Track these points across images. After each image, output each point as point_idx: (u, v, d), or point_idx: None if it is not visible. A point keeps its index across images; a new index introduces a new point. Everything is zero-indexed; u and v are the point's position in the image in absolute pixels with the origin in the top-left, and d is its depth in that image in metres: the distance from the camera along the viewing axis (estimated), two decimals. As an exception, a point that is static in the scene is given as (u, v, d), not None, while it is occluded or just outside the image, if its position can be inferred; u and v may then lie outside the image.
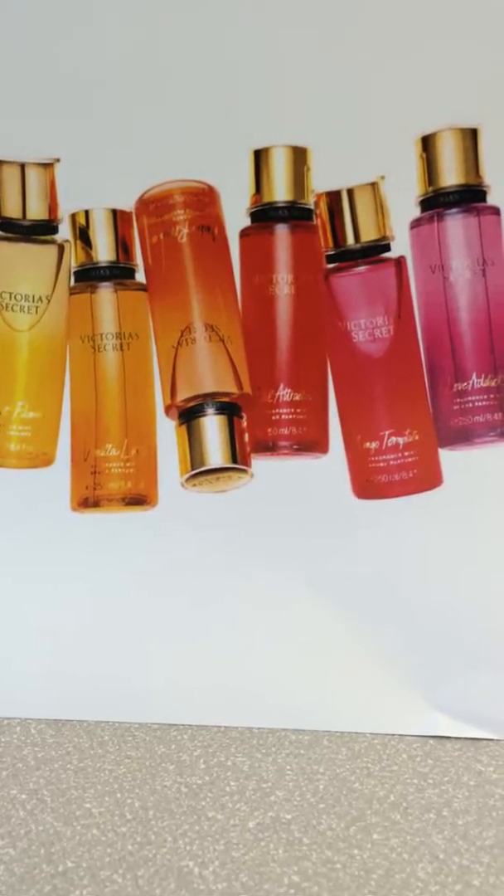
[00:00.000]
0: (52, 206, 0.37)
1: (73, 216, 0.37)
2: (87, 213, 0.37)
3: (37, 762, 0.35)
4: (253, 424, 0.37)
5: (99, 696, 0.38)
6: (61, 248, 0.37)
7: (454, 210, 0.35)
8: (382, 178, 0.36)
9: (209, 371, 0.36)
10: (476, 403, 0.36)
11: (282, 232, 0.37)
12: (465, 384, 0.36)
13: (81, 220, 0.37)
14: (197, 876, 0.29)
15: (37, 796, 0.33)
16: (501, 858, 0.30)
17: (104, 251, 0.37)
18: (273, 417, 0.37)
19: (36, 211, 0.37)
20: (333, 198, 0.36)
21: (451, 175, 0.35)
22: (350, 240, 0.36)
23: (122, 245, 0.37)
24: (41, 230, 0.37)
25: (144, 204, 0.37)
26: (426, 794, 0.33)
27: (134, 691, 0.38)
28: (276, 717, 0.37)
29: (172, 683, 0.38)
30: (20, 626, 0.38)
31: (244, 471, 0.37)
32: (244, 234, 0.37)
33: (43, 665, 0.38)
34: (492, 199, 0.36)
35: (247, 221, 0.37)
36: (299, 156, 0.36)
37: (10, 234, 0.37)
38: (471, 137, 0.35)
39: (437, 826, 0.32)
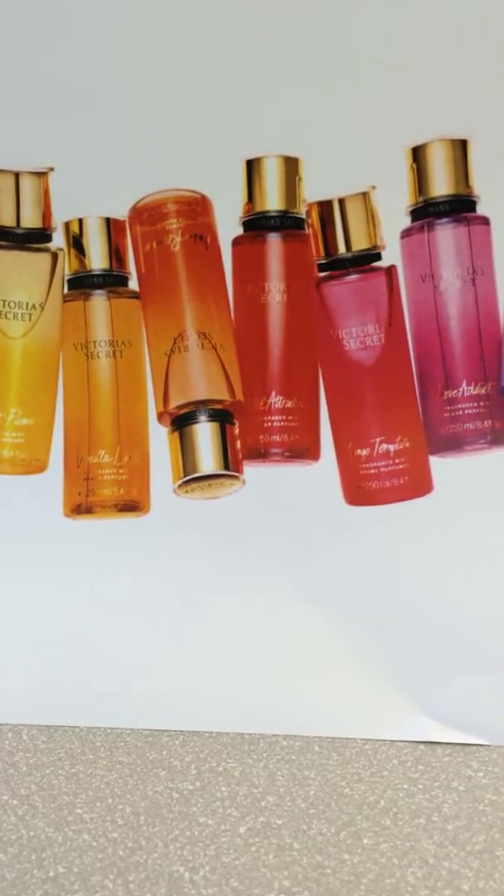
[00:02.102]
0: (46, 215, 0.37)
1: (67, 224, 0.37)
2: (80, 221, 0.37)
3: (28, 768, 0.35)
4: (245, 431, 0.37)
5: (90, 702, 0.38)
6: (55, 256, 0.38)
7: (444, 220, 0.36)
8: (373, 187, 0.36)
9: (202, 378, 0.37)
10: (466, 411, 0.36)
11: (274, 241, 0.37)
12: (456, 392, 0.36)
13: (75, 228, 0.37)
14: (188, 881, 0.29)
15: (28, 802, 0.33)
16: (491, 863, 0.30)
17: (97, 259, 0.38)
18: (265, 424, 0.37)
19: (30, 219, 0.37)
20: (325, 207, 0.36)
21: (441, 185, 0.36)
22: (341, 249, 0.36)
23: (116, 253, 0.38)
24: (35, 238, 0.37)
25: (138, 213, 0.37)
26: (416, 799, 0.33)
27: (125, 697, 0.38)
28: (267, 723, 0.37)
29: (164, 689, 0.38)
30: (12, 632, 0.38)
31: (236, 477, 0.37)
32: (237, 242, 0.37)
33: (35, 671, 0.38)
34: (481, 209, 0.36)
35: (239, 230, 0.37)
36: (291, 166, 0.36)
37: (4, 242, 0.37)
38: (460, 148, 0.36)
39: (427, 831, 0.32)
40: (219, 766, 0.35)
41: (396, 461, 0.37)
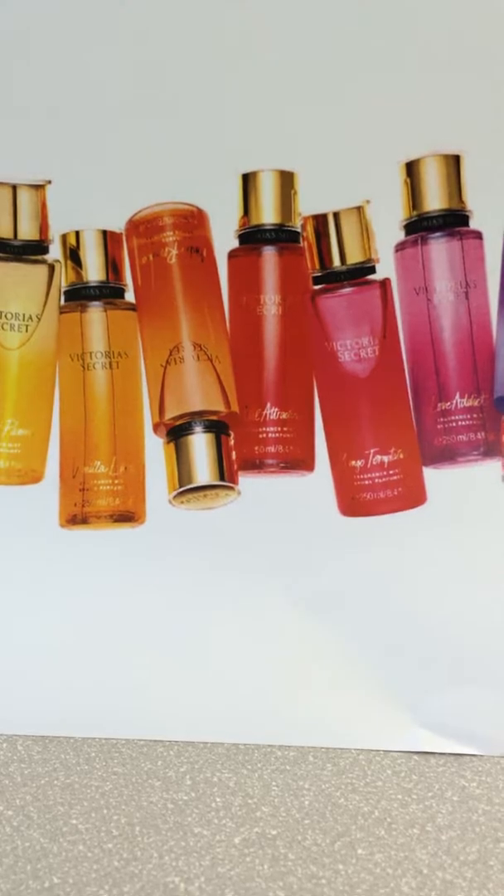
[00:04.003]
0: (44, 227, 0.38)
1: (64, 237, 0.38)
2: (77, 233, 0.38)
3: (23, 778, 0.35)
4: (240, 442, 0.38)
5: (85, 713, 0.38)
6: (52, 268, 0.38)
7: (438, 234, 0.36)
8: (368, 202, 0.36)
9: (197, 389, 0.37)
10: (459, 423, 0.37)
11: (269, 254, 0.37)
12: (449, 404, 0.37)
13: (72, 240, 0.38)
14: (183, 892, 0.29)
15: (23, 812, 0.33)
16: (484, 873, 0.30)
17: (94, 271, 0.38)
18: (260, 436, 0.38)
19: (27, 231, 0.37)
20: (320, 221, 0.37)
21: (434, 200, 0.36)
22: (336, 262, 0.37)
23: (112, 265, 0.38)
24: (32, 250, 0.37)
25: (134, 225, 0.37)
26: (410, 809, 0.34)
27: (120, 707, 0.38)
28: (261, 734, 0.37)
29: (159, 700, 0.38)
30: (6, 643, 0.38)
31: (231, 488, 0.37)
32: (232, 255, 0.38)
33: (29, 681, 0.38)
34: (474, 224, 0.36)
35: (235, 243, 0.38)
36: (286, 180, 0.37)
37: (1, 254, 0.37)
38: (454, 163, 0.36)
39: (420, 841, 0.32)
40: (214, 777, 0.35)
41: (390, 472, 0.37)
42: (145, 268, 0.37)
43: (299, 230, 0.37)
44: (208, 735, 0.37)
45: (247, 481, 0.37)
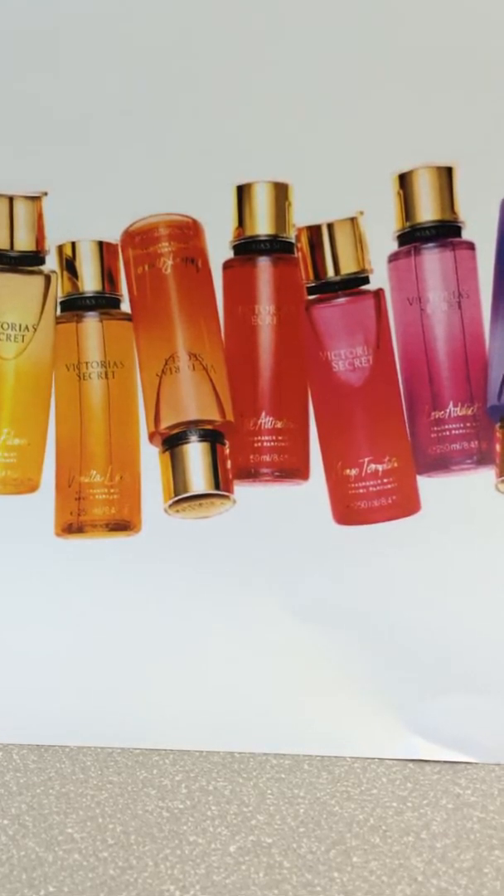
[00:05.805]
0: (40, 238, 0.38)
1: (60, 247, 0.38)
2: (73, 244, 0.38)
3: (19, 787, 0.35)
4: (235, 451, 0.38)
5: (81, 722, 0.38)
6: (48, 279, 0.38)
7: (430, 244, 0.37)
8: (361, 213, 0.37)
9: (192, 399, 0.37)
10: (453, 431, 0.37)
11: (264, 264, 0.38)
12: (443, 413, 0.37)
13: (68, 251, 0.38)
14: (178, 900, 0.29)
15: (18, 821, 0.33)
16: (479, 880, 0.30)
17: (90, 282, 0.38)
18: (255, 444, 0.38)
19: (23, 242, 0.38)
20: (314, 232, 0.37)
21: (427, 211, 0.36)
22: (330, 272, 0.37)
23: (108, 276, 0.38)
24: (28, 261, 0.38)
25: (130, 236, 0.38)
26: (405, 817, 0.34)
27: (116, 716, 0.38)
28: (257, 742, 0.37)
29: (154, 708, 0.38)
30: (1, 652, 0.38)
31: (227, 497, 0.37)
32: (227, 266, 0.38)
33: (25, 690, 0.38)
34: (466, 235, 0.37)
35: (230, 254, 0.38)
36: (281, 191, 0.37)
37: (-3, 265, 0.38)
38: (446, 175, 0.36)
39: (415, 849, 0.32)
40: (209, 785, 0.35)
41: (384, 481, 0.37)
42: (141, 278, 0.38)
43: (294, 241, 0.38)
44: (204, 744, 0.37)
45: (242, 490, 0.38)
